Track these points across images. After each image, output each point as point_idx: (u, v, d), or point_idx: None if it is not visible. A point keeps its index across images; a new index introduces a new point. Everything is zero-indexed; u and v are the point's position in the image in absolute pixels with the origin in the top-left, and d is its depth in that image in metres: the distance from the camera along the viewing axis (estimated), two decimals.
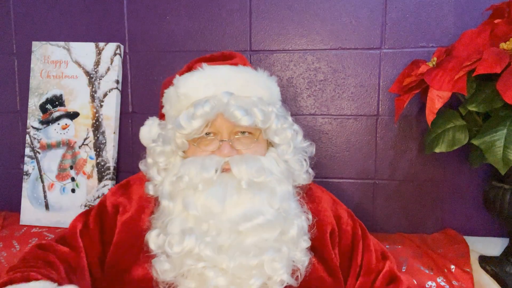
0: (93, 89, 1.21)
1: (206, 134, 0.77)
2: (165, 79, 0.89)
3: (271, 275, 0.70)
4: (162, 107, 0.86)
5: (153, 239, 0.74)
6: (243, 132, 0.78)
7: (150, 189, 0.81)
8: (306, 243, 0.76)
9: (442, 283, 0.93)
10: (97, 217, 0.85)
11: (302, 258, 0.75)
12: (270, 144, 0.83)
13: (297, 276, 0.74)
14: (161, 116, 0.87)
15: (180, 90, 0.78)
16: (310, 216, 0.79)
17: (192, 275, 0.70)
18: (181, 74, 0.82)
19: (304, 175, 0.82)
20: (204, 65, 0.79)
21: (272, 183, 0.74)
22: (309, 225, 0.78)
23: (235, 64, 0.82)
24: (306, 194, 0.84)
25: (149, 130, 0.86)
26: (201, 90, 0.76)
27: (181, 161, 0.79)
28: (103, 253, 0.83)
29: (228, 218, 0.70)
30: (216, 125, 0.76)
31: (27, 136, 1.24)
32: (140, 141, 0.88)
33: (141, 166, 0.85)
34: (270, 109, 0.78)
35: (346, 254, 0.85)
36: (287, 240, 0.73)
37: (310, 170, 0.84)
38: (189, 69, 0.83)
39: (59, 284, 0.67)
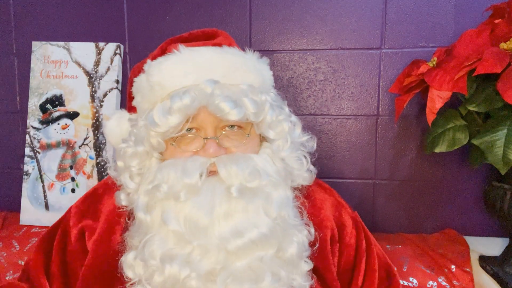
0: (93, 89, 1.21)
1: (187, 130, 0.64)
2: (134, 65, 0.77)
3: None
4: (131, 98, 0.71)
5: (129, 264, 0.62)
6: (231, 126, 0.65)
7: (122, 199, 0.68)
8: (307, 265, 0.65)
9: (443, 283, 0.93)
10: (60, 251, 0.73)
11: (303, 284, 0.63)
12: (262, 138, 0.70)
13: None
14: (130, 109, 0.74)
15: (153, 78, 0.64)
16: (312, 230, 0.67)
17: None
18: (153, 58, 0.69)
19: (305, 174, 0.70)
20: (181, 47, 0.66)
21: (267, 187, 0.63)
22: (310, 241, 0.66)
23: (219, 44, 0.69)
24: (306, 197, 0.73)
25: (117, 125, 0.73)
26: (179, 78, 0.63)
27: (157, 164, 0.66)
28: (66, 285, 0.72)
29: (217, 234, 0.59)
30: (199, 120, 0.63)
31: (27, 136, 1.24)
32: (107, 139, 0.76)
33: (110, 171, 0.70)
34: (264, 98, 0.65)
35: (346, 272, 0.75)
36: (285, 260, 0.62)
37: (312, 168, 0.72)
38: (163, 52, 0.70)
39: None
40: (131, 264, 0.62)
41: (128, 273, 0.62)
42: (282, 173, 0.66)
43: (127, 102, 0.75)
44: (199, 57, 0.65)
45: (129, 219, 0.69)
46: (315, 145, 0.73)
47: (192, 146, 0.64)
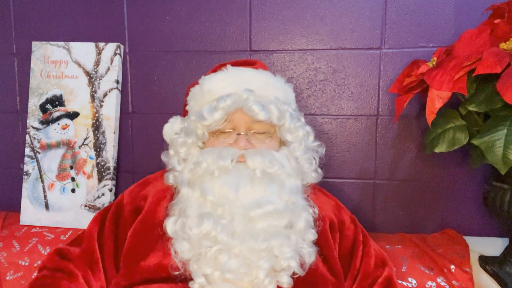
0: (93, 89, 1.21)
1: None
2: (192, 82, 0.96)
3: (280, 256, 0.74)
4: (185, 105, 0.93)
5: (170, 226, 0.79)
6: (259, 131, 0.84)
7: (170, 178, 0.87)
8: (312, 235, 0.80)
9: (442, 283, 0.93)
10: (113, 220, 0.90)
11: (309, 250, 0.78)
12: (283, 143, 0.88)
13: (304, 267, 0.77)
14: (184, 114, 0.95)
15: (205, 87, 0.85)
16: (317, 210, 0.83)
17: (208, 260, 0.74)
18: (206, 75, 0.89)
19: (313, 174, 0.87)
20: (229, 66, 0.87)
21: (282, 176, 0.79)
22: (314, 219, 0.82)
23: (256, 68, 0.90)
24: (312, 193, 0.89)
25: (171, 126, 0.93)
26: (224, 87, 0.83)
27: (199, 152, 0.85)
28: (115, 251, 0.88)
29: (241, 204, 0.75)
30: (235, 120, 0.82)
31: (27, 136, 1.24)
32: (163, 137, 0.94)
33: (163, 157, 0.90)
34: (286, 108, 0.84)
35: (346, 257, 0.87)
36: (295, 232, 0.78)
37: (319, 170, 0.88)
38: (214, 70, 0.91)
39: None
40: (172, 226, 0.79)
41: (169, 231, 0.78)
42: (295, 169, 0.84)
43: (182, 109, 0.95)
44: (241, 74, 0.86)
45: (173, 194, 0.86)
46: (324, 151, 0.90)
47: (228, 139, 0.83)
